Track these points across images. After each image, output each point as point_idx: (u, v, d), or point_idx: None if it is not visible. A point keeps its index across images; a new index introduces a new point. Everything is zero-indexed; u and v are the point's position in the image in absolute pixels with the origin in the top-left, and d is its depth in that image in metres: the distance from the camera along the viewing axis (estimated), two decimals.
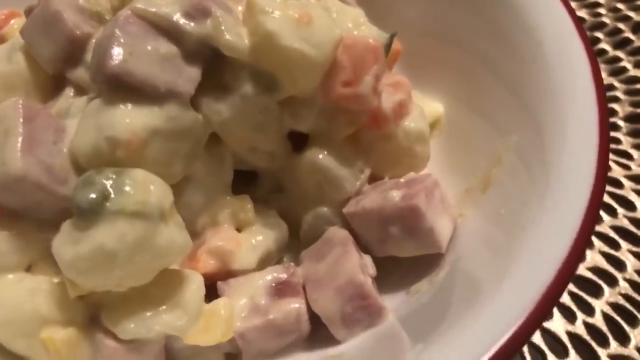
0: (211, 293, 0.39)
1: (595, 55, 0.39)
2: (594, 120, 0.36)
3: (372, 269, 0.41)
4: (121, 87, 0.36)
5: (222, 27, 0.37)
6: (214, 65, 0.39)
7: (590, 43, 0.40)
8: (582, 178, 0.34)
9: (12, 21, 0.46)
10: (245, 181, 0.44)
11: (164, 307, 0.36)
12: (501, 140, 0.42)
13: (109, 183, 0.34)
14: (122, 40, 0.36)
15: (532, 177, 0.37)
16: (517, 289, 0.31)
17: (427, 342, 0.33)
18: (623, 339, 0.46)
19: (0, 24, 0.48)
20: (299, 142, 0.43)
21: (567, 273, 0.30)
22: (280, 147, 0.43)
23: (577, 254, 0.31)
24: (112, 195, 0.34)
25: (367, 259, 0.41)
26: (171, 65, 0.37)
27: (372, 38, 0.41)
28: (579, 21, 0.41)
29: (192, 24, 0.37)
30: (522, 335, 0.29)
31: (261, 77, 0.38)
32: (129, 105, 0.36)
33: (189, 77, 0.37)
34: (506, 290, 0.31)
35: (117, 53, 0.36)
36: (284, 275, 0.40)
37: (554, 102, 0.38)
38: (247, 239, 0.42)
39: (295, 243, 0.44)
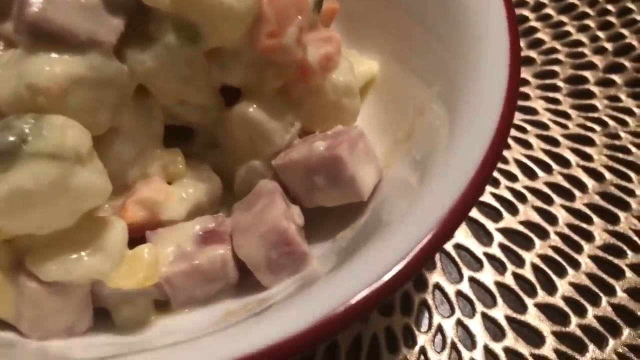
0: (142, 243, 0.40)
1: (513, 9, 0.40)
2: (504, 63, 0.37)
3: (298, 218, 0.41)
4: (41, 36, 0.36)
5: None
6: (139, 17, 0.39)
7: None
8: (487, 120, 0.34)
9: None
10: (180, 137, 0.45)
11: (88, 251, 0.37)
12: (426, 92, 0.43)
13: (27, 127, 0.35)
14: None
15: (445, 123, 0.38)
16: (417, 218, 0.32)
17: (336, 272, 0.34)
18: (551, 289, 0.47)
19: None
20: (232, 97, 0.44)
21: (463, 207, 0.31)
22: (212, 102, 0.43)
23: (475, 189, 0.32)
24: (30, 139, 0.34)
25: (295, 209, 0.42)
26: (92, 14, 0.37)
27: None
28: None
29: None
30: (417, 262, 0.30)
31: (184, 27, 0.39)
32: (51, 54, 0.37)
33: (111, 26, 0.38)
34: (408, 220, 0.32)
35: (36, 1, 0.36)
36: (212, 225, 0.41)
37: (468, 52, 0.39)
38: (178, 191, 0.43)
39: (232, 198, 0.45)
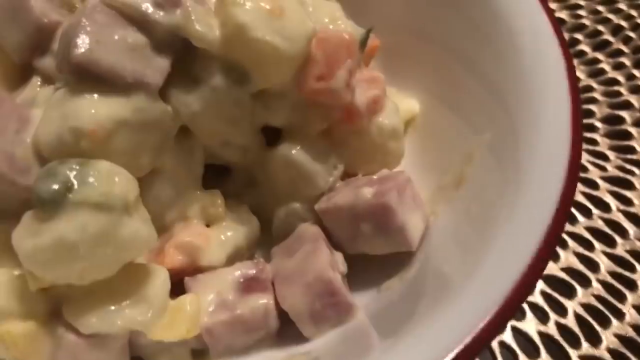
0: (179, 289, 0.39)
1: (572, 58, 0.39)
2: (567, 121, 0.36)
3: (342, 266, 0.40)
4: (87, 77, 0.35)
5: (192, 18, 0.37)
6: (185, 57, 0.38)
7: (568, 46, 0.40)
8: (553, 178, 0.33)
9: None
10: (217, 176, 0.44)
11: (128, 301, 0.35)
12: (475, 138, 0.41)
13: (72, 174, 0.33)
14: (88, 29, 0.35)
15: (504, 176, 0.36)
16: (484, 286, 0.31)
17: (395, 338, 0.33)
18: (594, 340, 0.46)
19: None
20: (272, 136, 0.43)
21: (534, 272, 0.30)
22: (253, 142, 0.42)
23: (545, 253, 0.31)
24: (75, 187, 0.33)
25: (339, 256, 0.40)
26: (139, 55, 0.36)
27: (346, 32, 0.40)
28: (557, 23, 0.41)
29: (161, 13, 0.36)
30: (488, 333, 0.29)
31: (232, 70, 0.38)
32: (95, 95, 0.35)
33: (157, 67, 0.37)
34: (474, 287, 0.31)
35: (83, 42, 0.35)
36: (252, 271, 0.40)
37: (528, 102, 0.38)
38: (217, 234, 0.41)
39: (268, 239, 0.43)
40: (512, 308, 0.29)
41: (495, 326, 0.29)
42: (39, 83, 0.40)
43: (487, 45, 0.43)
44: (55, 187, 0.33)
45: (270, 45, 0.37)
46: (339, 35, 0.40)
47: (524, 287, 0.29)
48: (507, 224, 0.33)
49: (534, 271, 0.30)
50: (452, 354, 0.29)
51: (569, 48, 0.39)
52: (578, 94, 0.37)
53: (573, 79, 0.37)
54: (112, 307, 0.35)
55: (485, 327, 0.29)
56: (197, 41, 0.37)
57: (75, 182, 0.33)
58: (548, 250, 0.31)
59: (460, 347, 0.29)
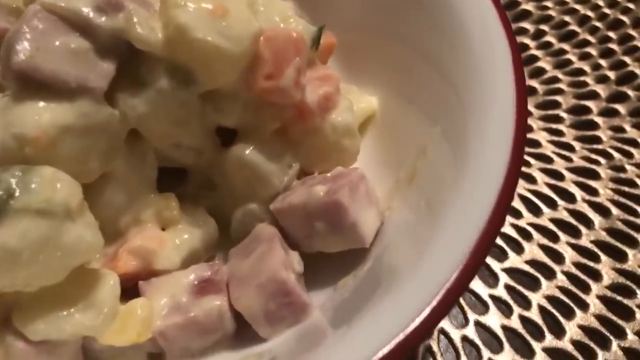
0: (134, 293, 0.38)
1: (518, 47, 0.39)
2: (511, 108, 0.35)
3: (298, 266, 0.40)
4: (30, 83, 0.35)
5: (135, 21, 0.36)
6: (130, 60, 0.38)
7: (512, 30, 0.40)
8: (495, 167, 0.33)
9: None
10: (173, 179, 0.44)
11: (77, 307, 0.35)
12: (429, 131, 0.41)
13: (14, 181, 0.33)
14: (28, 36, 0.35)
15: (452, 167, 0.36)
16: (429, 273, 0.31)
17: (346, 328, 0.33)
18: (558, 332, 0.45)
19: None
20: (228, 138, 0.43)
21: (477, 258, 0.30)
22: (207, 143, 0.42)
23: (488, 238, 0.31)
24: (17, 193, 0.33)
25: (295, 255, 0.40)
26: (83, 60, 0.36)
27: (294, 30, 0.40)
28: (504, 13, 0.41)
29: (103, 18, 0.36)
30: (434, 317, 0.29)
31: (177, 71, 0.38)
32: (39, 102, 0.35)
33: (102, 71, 0.37)
34: (419, 275, 0.31)
35: (23, 48, 0.35)
36: (207, 273, 0.39)
37: (474, 91, 0.38)
38: (172, 237, 0.41)
39: (228, 241, 0.43)
40: (455, 293, 0.29)
41: (441, 309, 0.29)
42: None
43: (441, 38, 0.43)
44: None
45: (212, 45, 0.36)
46: (286, 33, 0.40)
47: (468, 271, 0.30)
48: (450, 213, 0.33)
49: (478, 255, 0.30)
50: (398, 338, 0.29)
51: (514, 36, 0.39)
52: (523, 82, 0.37)
53: (519, 68, 0.37)
54: (61, 313, 0.35)
55: (430, 312, 0.29)
56: (140, 44, 0.37)
57: (17, 189, 0.33)
58: (489, 237, 0.31)
59: (407, 331, 0.29)
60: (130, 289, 0.39)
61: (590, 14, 0.64)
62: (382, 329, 0.30)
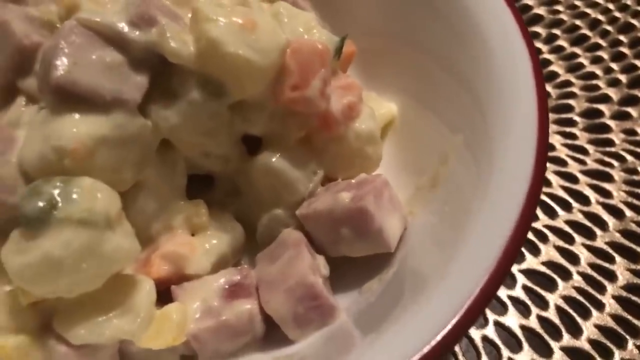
0: (166, 298, 0.40)
1: (537, 56, 0.40)
2: (534, 118, 0.37)
3: (324, 270, 0.41)
4: (67, 97, 0.36)
5: (167, 35, 0.38)
6: (162, 73, 0.39)
7: (532, 41, 0.41)
8: (520, 176, 0.35)
9: None
10: (201, 186, 0.45)
11: (115, 312, 0.37)
12: (450, 138, 0.43)
13: (56, 192, 0.35)
14: (66, 51, 0.36)
15: (476, 174, 0.38)
16: (457, 280, 0.32)
17: (375, 334, 0.34)
18: (575, 331, 0.47)
19: None
20: (253, 145, 0.44)
21: (504, 265, 0.31)
22: (234, 151, 0.43)
23: (514, 246, 0.32)
24: (59, 204, 0.34)
25: (321, 260, 0.41)
26: (117, 73, 0.37)
27: (319, 42, 0.42)
28: (523, 22, 0.42)
29: (137, 32, 0.38)
30: (463, 324, 0.30)
31: (208, 83, 0.39)
32: (76, 115, 0.36)
33: (135, 84, 0.38)
34: (448, 281, 0.32)
35: (62, 63, 0.36)
36: (237, 277, 0.41)
37: (498, 100, 0.39)
38: (201, 243, 0.42)
39: (254, 246, 0.44)
40: (483, 302, 0.30)
41: (469, 318, 0.30)
42: (23, 103, 0.41)
43: (461, 46, 0.44)
44: (40, 204, 0.34)
45: (243, 59, 0.38)
46: (312, 45, 0.41)
47: (494, 282, 0.31)
48: (477, 221, 0.34)
49: (502, 267, 0.31)
50: (429, 347, 0.30)
51: (534, 46, 0.40)
52: (544, 91, 0.38)
53: (539, 77, 0.39)
54: (100, 318, 0.36)
55: (460, 319, 0.30)
56: (172, 57, 0.38)
57: (59, 200, 0.34)
58: (516, 244, 0.32)
59: (437, 339, 0.30)
60: (162, 293, 0.40)
61: (600, 17, 0.66)
62: (411, 338, 0.31)
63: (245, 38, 0.38)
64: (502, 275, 0.32)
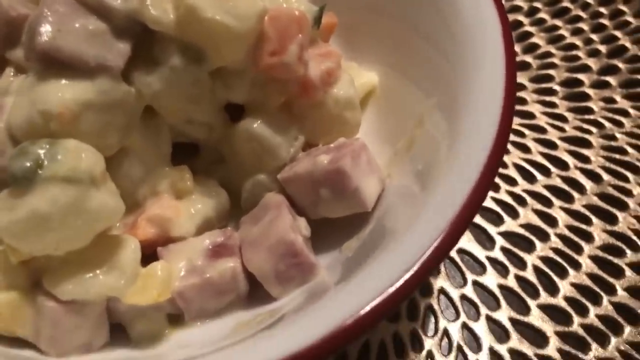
0: (153, 260, 0.41)
1: (507, 18, 0.41)
2: (501, 76, 0.38)
3: (305, 230, 0.43)
4: (52, 64, 0.38)
5: (148, 3, 0.39)
6: (144, 40, 0.41)
7: (503, 7, 0.42)
8: (485, 133, 0.36)
9: None
10: (186, 153, 0.46)
11: (102, 269, 0.38)
12: (425, 102, 0.44)
13: (42, 152, 0.36)
14: (50, 19, 0.38)
15: (446, 133, 0.39)
16: (422, 230, 0.33)
17: (346, 281, 0.35)
18: (553, 290, 0.48)
19: None
20: (237, 113, 0.45)
21: (466, 215, 0.33)
22: (217, 119, 0.45)
23: (478, 196, 0.33)
24: (45, 163, 0.36)
25: (302, 221, 0.43)
26: (100, 40, 0.39)
27: (297, 10, 0.43)
28: None
29: (118, 0, 0.39)
30: (426, 268, 0.32)
31: (188, 49, 0.40)
32: (62, 80, 0.38)
33: (118, 51, 0.39)
34: (413, 231, 0.34)
35: (46, 31, 0.37)
36: (220, 239, 0.42)
37: (466, 63, 0.40)
38: (186, 207, 0.44)
39: (238, 212, 0.46)
40: (446, 248, 0.32)
41: (430, 263, 0.32)
42: (11, 74, 0.43)
43: (434, 12, 0.45)
44: (27, 164, 0.36)
45: (222, 24, 0.39)
46: (289, 12, 0.42)
47: (456, 230, 0.32)
48: (444, 175, 0.35)
49: (464, 219, 0.33)
50: (399, 283, 0.31)
51: (505, 12, 0.41)
52: (512, 51, 0.39)
53: (508, 37, 0.40)
54: (87, 275, 0.38)
55: (423, 263, 0.32)
56: (153, 24, 0.39)
57: (45, 160, 0.36)
58: (479, 195, 0.33)
59: (401, 281, 0.31)
60: (148, 256, 0.42)
61: None
62: (377, 280, 0.32)
63: (223, 4, 0.39)
64: (465, 223, 0.33)
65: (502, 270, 0.49)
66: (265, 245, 0.41)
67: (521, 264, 0.49)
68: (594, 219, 0.51)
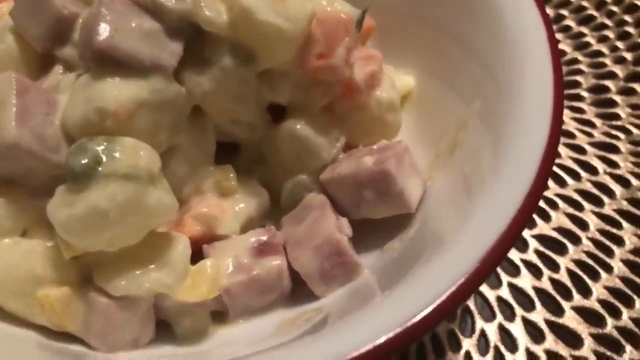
0: (198, 257, 0.42)
1: (551, 26, 0.42)
2: (549, 85, 0.39)
3: (348, 230, 0.43)
4: (108, 62, 0.38)
5: (202, 4, 0.40)
6: (196, 41, 0.41)
7: (547, 13, 0.43)
8: (537, 137, 0.36)
9: (1, 4, 0.48)
10: (228, 152, 0.47)
11: (153, 266, 0.39)
12: (466, 107, 0.45)
13: (100, 149, 0.37)
14: (107, 18, 0.38)
15: (492, 137, 0.39)
16: (472, 237, 0.33)
17: (393, 288, 0.35)
18: (585, 292, 0.49)
19: None
20: (278, 113, 0.46)
21: (518, 223, 0.33)
22: (260, 119, 0.45)
23: (529, 204, 0.34)
24: (104, 160, 0.36)
25: (344, 221, 0.44)
26: (154, 40, 0.39)
27: (343, 13, 0.43)
28: None
29: (173, 1, 0.40)
30: (474, 280, 0.32)
31: (239, 51, 0.41)
32: (117, 79, 0.38)
33: (171, 51, 0.40)
34: (463, 238, 0.34)
35: (104, 29, 0.38)
36: (265, 237, 0.43)
37: (512, 69, 0.41)
38: (231, 206, 0.44)
39: (277, 211, 0.46)
40: (494, 260, 0.32)
41: (482, 273, 0.32)
42: (60, 71, 0.43)
43: (475, 20, 0.46)
44: (86, 161, 0.36)
45: (274, 27, 0.40)
46: (337, 16, 0.43)
47: (508, 236, 0.32)
48: (494, 180, 0.36)
49: (519, 222, 0.33)
50: (444, 296, 0.31)
51: (549, 18, 0.42)
52: (558, 60, 0.40)
53: (554, 45, 0.41)
54: (139, 271, 0.38)
55: (470, 275, 0.32)
56: (206, 25, 0.40)
57: (103, 156, 0.36)
58: (532, 201, 0.34)
59: (451, 290, 0.31)
60: (193, 253, 0.42)
61: None
62: (426, 290, 0.32)
63: (275, 7, 0.40)
64: (513, 238, 0.33)
65: (536, 273, 0.50)
66: (311, 245, 0.41)
67: (554, 266, 0.50)
68: (624, 223, 0.52)
